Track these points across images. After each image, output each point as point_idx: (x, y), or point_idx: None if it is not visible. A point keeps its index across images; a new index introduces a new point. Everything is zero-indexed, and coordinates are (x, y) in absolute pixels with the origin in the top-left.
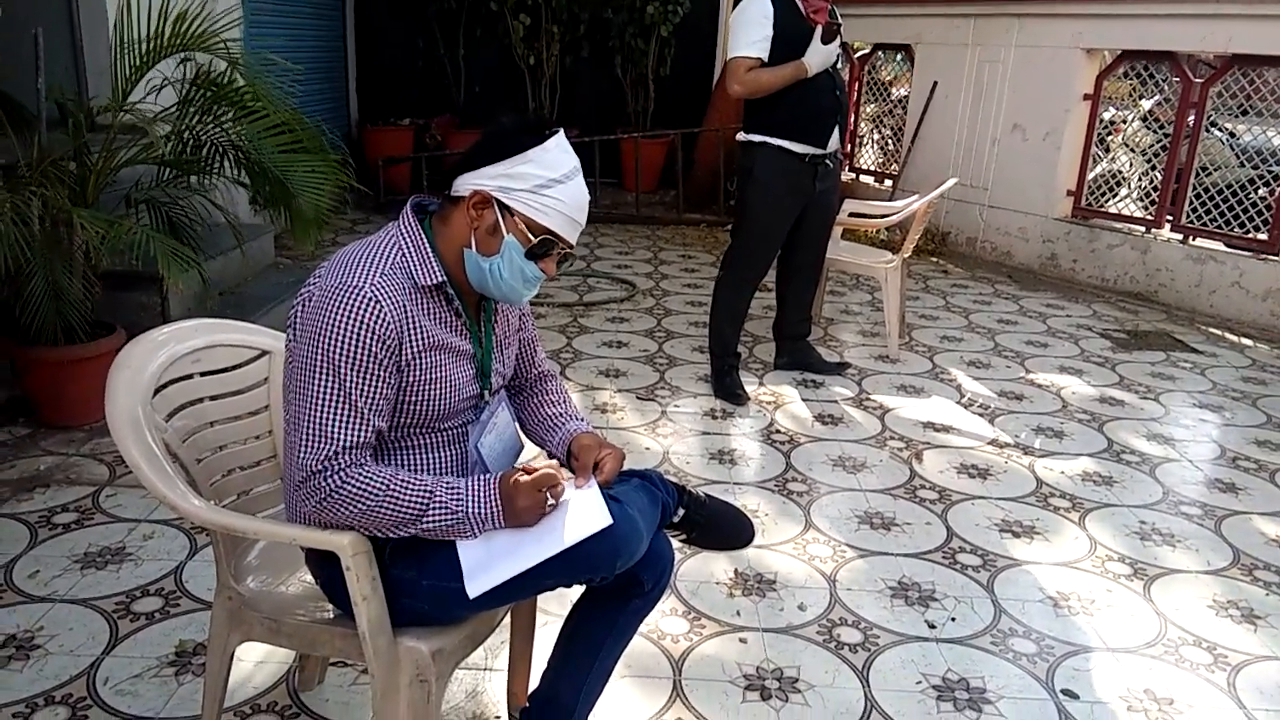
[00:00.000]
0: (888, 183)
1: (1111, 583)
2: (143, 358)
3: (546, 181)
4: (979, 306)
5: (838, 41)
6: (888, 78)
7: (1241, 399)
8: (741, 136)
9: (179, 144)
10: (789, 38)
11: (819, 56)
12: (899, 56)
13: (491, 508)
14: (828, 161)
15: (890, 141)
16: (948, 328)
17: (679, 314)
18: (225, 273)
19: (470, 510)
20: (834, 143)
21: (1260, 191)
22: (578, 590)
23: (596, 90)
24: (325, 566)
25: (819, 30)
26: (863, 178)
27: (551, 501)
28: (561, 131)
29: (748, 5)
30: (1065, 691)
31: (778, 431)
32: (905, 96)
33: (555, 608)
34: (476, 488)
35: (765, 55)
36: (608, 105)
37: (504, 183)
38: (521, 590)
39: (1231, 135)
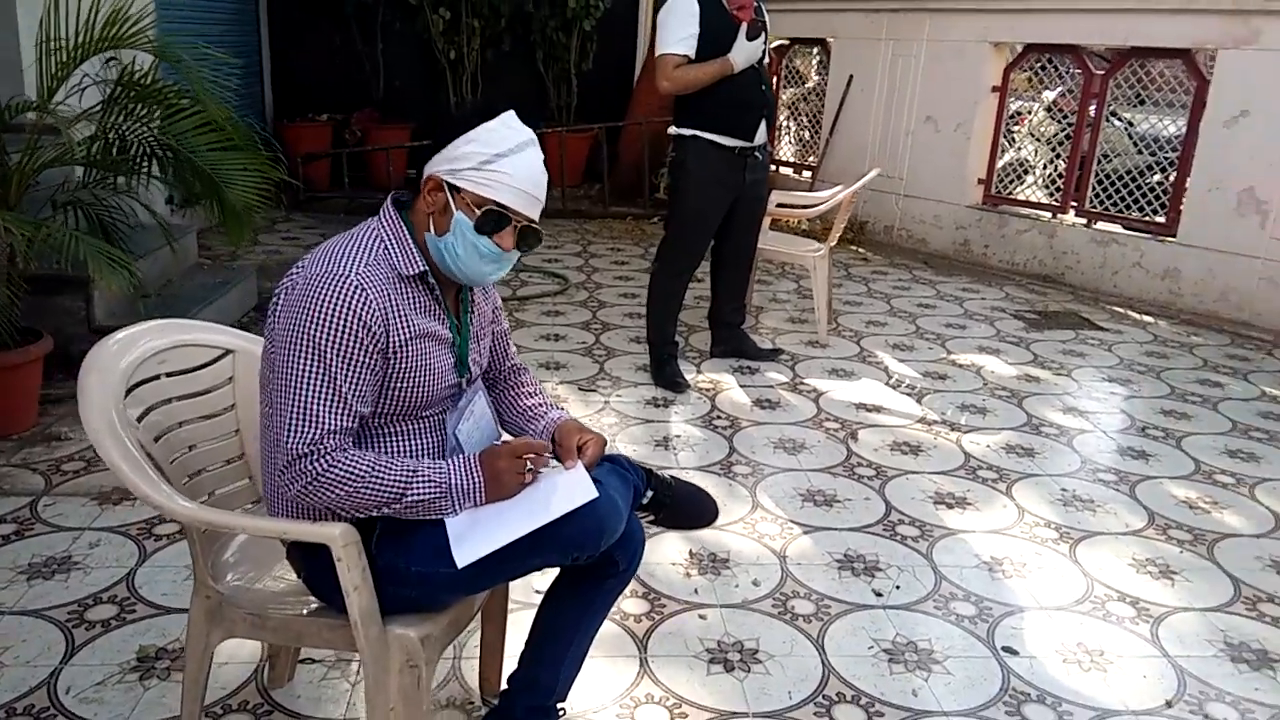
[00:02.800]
0: (806, 174)
1: (1040, 546)
2: (111, 359)
3: (490, 157)
4: (899, 292)
5: (763, 38)
6: (804, 71)
7: (1146, 372)
8: (673, 130)
9: (105, 144)
10: (715, 34)
11: (744, 53)
12: (815, 50)
13: (473, 480)
14: (756, 154)
15: (807, 133)
16: (871, 313)
17: (613, 306)
18: (149, 275)
19: (453, 483)
20: (761, 136)
21: (1156, 177)
22: (549, 577)
23: (519, 85)
24: (308, 560)
25: (744, 27)
26: (782, 169)
27: (531, 468)
28: (512, 111)
29: (674, 3)
30: (1005, 648)
31: (719, 417)
32: (822, 89)
33: (520, 596)
34: (458, 463)
35: (692, 52)
36: (530, 100)
37: (452, 165)
38: (509, 569)
39: (1129, 124)
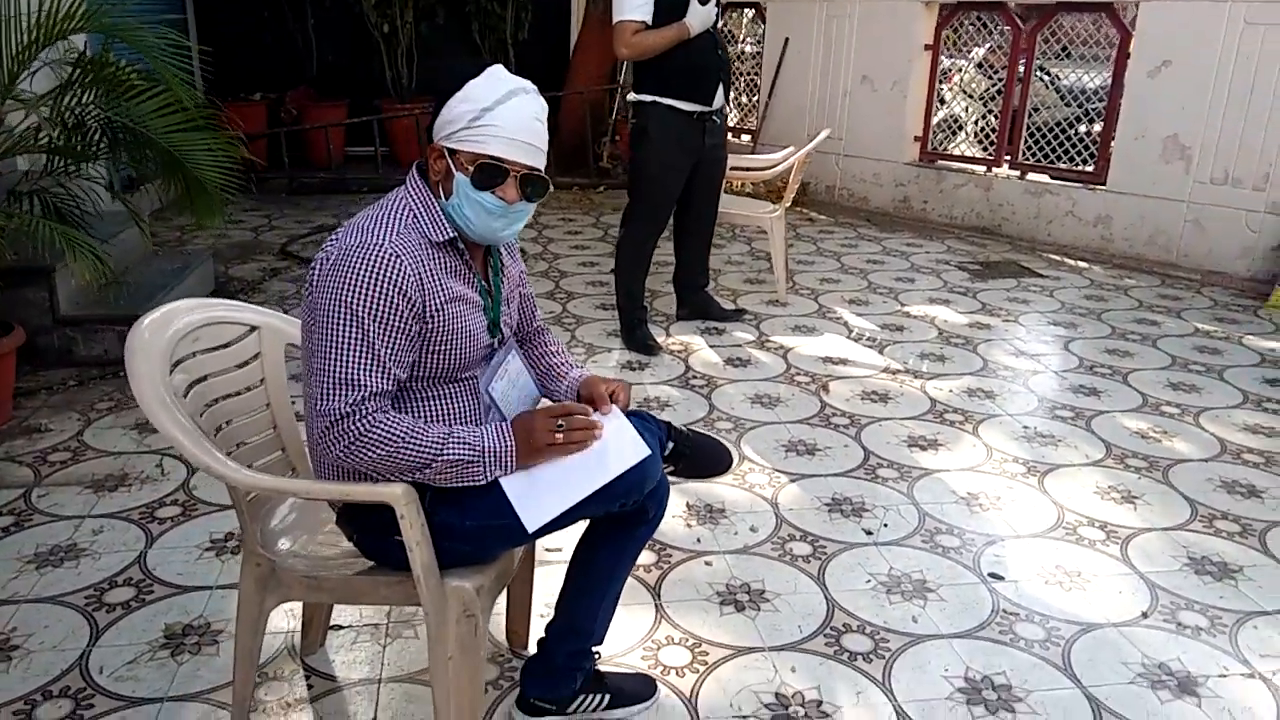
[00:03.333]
0: (745, 137)
1: (1010, 480)
2: (153, 338)
3: (478, 112)
4: (847, 249)
5: (714, 2)
6: (739, 35)
7: (1088, 315)
8: (632, 97)
9: (64, 129)
10: (670, 1)
11: (699, 17)
12: (751, 14)
13: (506, 443)
14: (715, 118)
15: (744, 97)
16: (824, 271)
17: (575, 275)
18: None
19: (486, 445)
20: (719, 100)
21: (1082, 128)
22: (560, 536)
23: (455, 57)
24: (359, 522)
25: None
26: None
27: (564, 426)
28: (499, 65)
29: None
30: (992, 574)
31: (695, 376)
32: (759, 53)
33: (540, 551)
34: (491, 429)
35: (649, 18)
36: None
37: (446, 129)
38: (564, 519)
39: (1055, 78)
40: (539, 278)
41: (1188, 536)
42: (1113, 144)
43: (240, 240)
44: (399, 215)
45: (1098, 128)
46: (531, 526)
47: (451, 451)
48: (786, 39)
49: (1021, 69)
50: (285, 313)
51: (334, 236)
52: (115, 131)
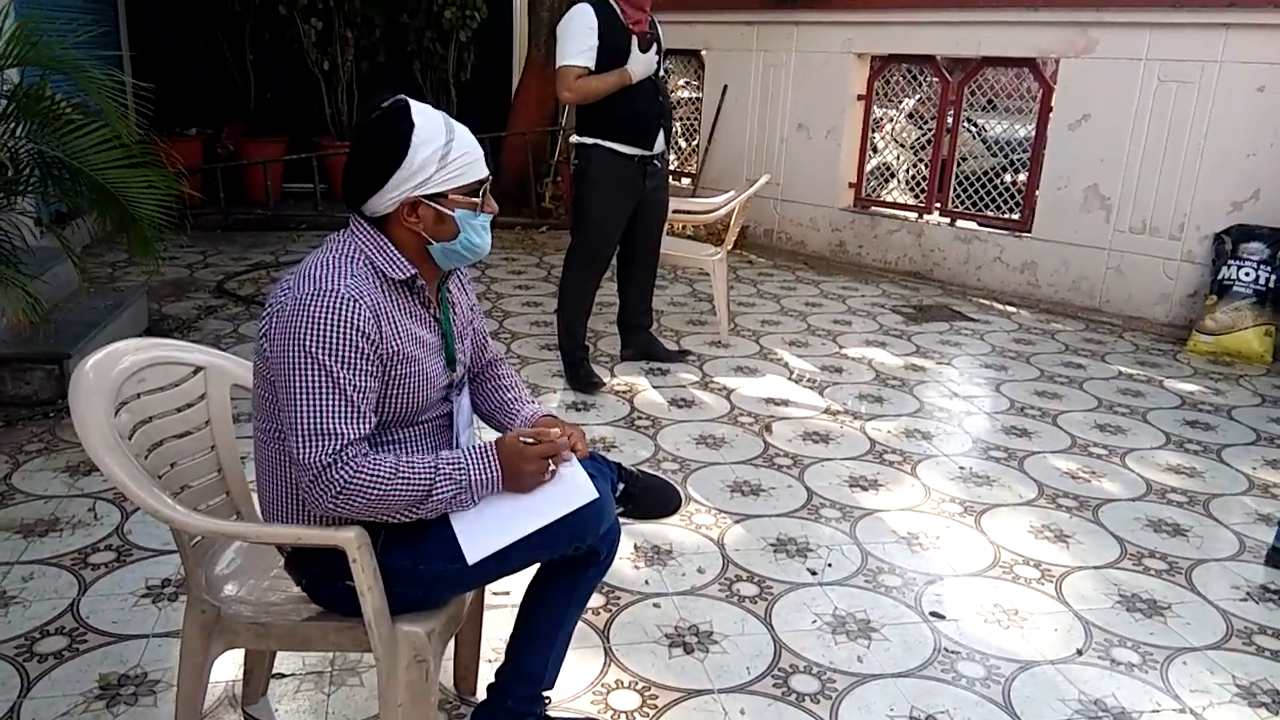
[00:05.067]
0: (685, 180)
1: (949, 520)
2: (98, 379)
3: (442, 149)
4: (786, 292)
5: (655, 49)
6: (678, 81)
7: (1017, 358)
8: (575, 139)
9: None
10: (613, 47)
11: (640, 64)
12: (690, 62)
13: (491, 473)
14: (656, 162)
15: (683, 140)
16: (764, 312)
17: (519, 315)
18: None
19: (472, 478)
20: (660, 144)
21: (1008, 177)
22: (509, 579)
23: (395, 95)
24: (308, 568)
25: (635, 39)
26: None
27: (553, 467)
28: (404, 99)
29: (574, 17)
30: (933, 613)
31: (640, 417)
32: (698, 98)
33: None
34: (475, 456)
35: (592, 64)
36: None
37: (416, 181)
38: (515, 563)
39: (982, 129)
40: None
41: (1118, 574)
42: (1037, 193)
43: (174, 277)
44: (350, 259)
45: (1023, 177)
46: (472, 559)
47: (440, 491)
48: (725, 86)
49: (950, 120)
50: (224, 352)
51: (285, 286)
52: (48, 165)
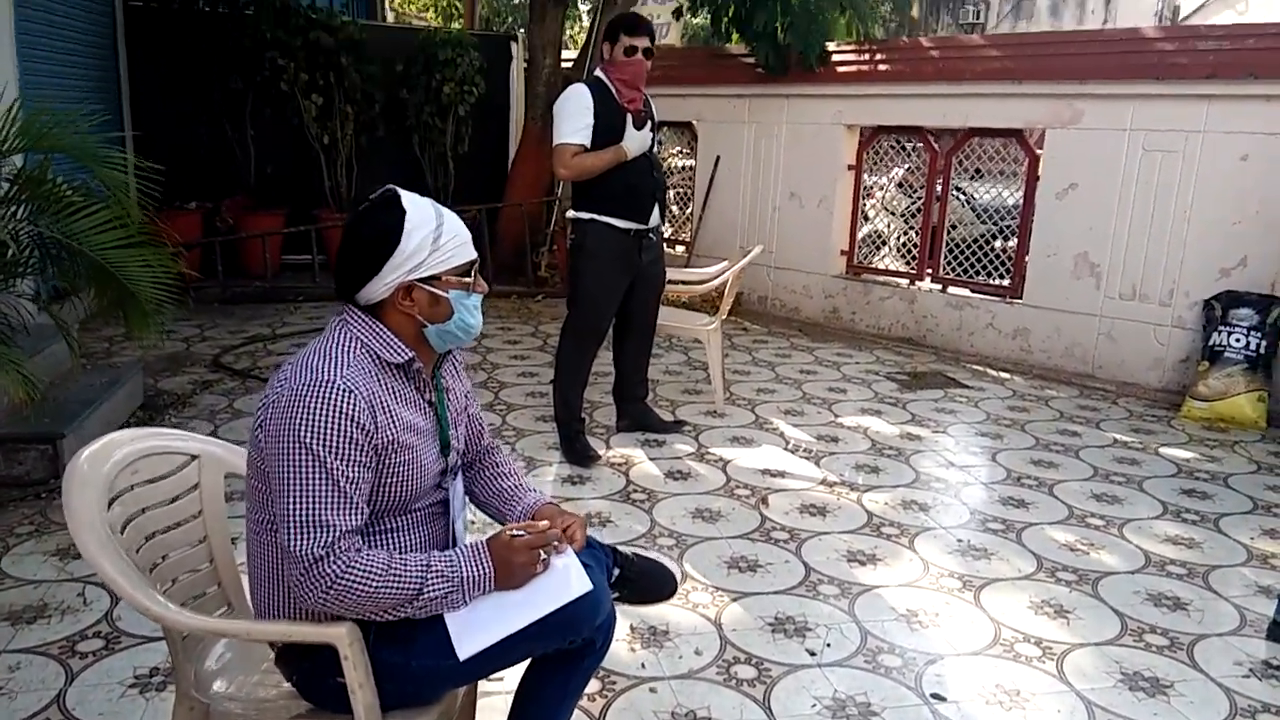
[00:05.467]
0: (680, 248)
1: (948, 596)
2: (91, 473)
3: (433, 234)
4: (781, 359)
5: (649, 127)
6: (672, 149)
7: (1012, 425)
8: (571, 214)
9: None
10: (608, 124)
11: (635, 141)
12: (683, 133)
13: (484, 570)
14: (651, 235)
15: (677, 208)
16: (760, 381)
17: (514, 386)
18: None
19: (464, 575)
20: (655, 219)
21: (998, 244)
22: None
23: (394, 168)
24: (300, 664)
25: (630, 117)
26: None
27: (544, 557)
28: (393, 189)
29: (570, 96)
30: (934, 695)
31: (636, 490)
32: (691, 166)
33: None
34: (467, 553)
35: (588, 141)
36: (407, 182)
37: (410, 265)
38: (510, 657)
39: (970, 197)
40: (478, 389)
41: (1119, 651)
42: (1027, 260)
43: (171, 351)
44: (347, 348)
45: (1013, 244)
46: (464, 654)
47: (432, 589)
48: (718, 157)
49: (940, 188)
50: (216, 429)
51: (282, 377)
52: (47, 246)
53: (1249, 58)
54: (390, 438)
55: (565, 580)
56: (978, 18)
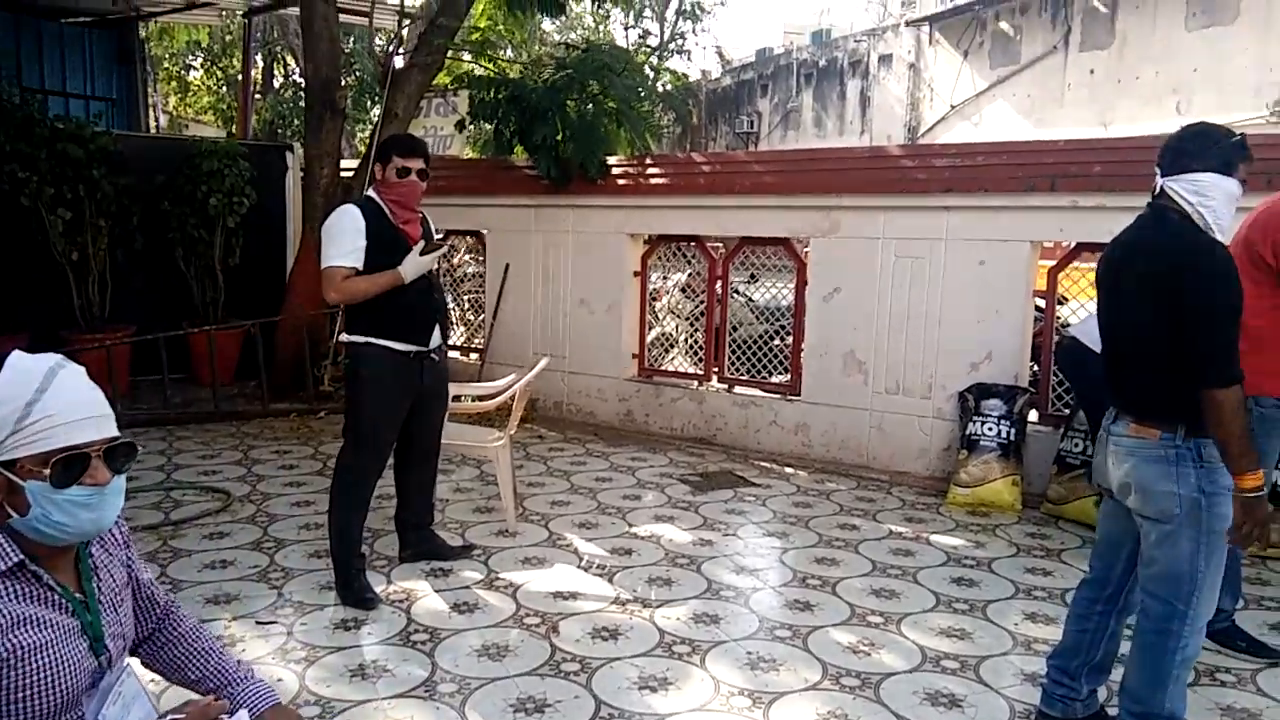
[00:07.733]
0: (474, 355)
1: (738, 716)
2: None
3: (22, 410)
4: (576, 467)
5: (436, 253)
6: (459, 260)
7: (797, 523)
8: (345, 338)
9: None
10: (383, 244)
11: (414, 265)
12: (471, 239)
13: None
14: (433, 355)
15: (470, 315)
16: (554, 492)
17: (286, 518)
18: None
19: None
20: (436, 339)
21: (776, 342)
22: None
23: (156, 283)
24: None
25: (417, 246)
26: (450, 353)
27: None
28: (15, 351)
29: (340, 216)
30: None
31: (417, 630)
32: (481, 274)
33: None
34: None
35: (360, 264)
36: (171, 298)
37: None
38: None
39: (749, 298)
40: (244, 524)
41: None
42: (803, 358)
43: None
44: None
45: (789, 342)
46: None
47: None
48: (507, 265)
49: (720, 291)
50: None
51: None
52: None
53: (979, 173)
54: (10, 648)
55: None
56: (752, 127)
